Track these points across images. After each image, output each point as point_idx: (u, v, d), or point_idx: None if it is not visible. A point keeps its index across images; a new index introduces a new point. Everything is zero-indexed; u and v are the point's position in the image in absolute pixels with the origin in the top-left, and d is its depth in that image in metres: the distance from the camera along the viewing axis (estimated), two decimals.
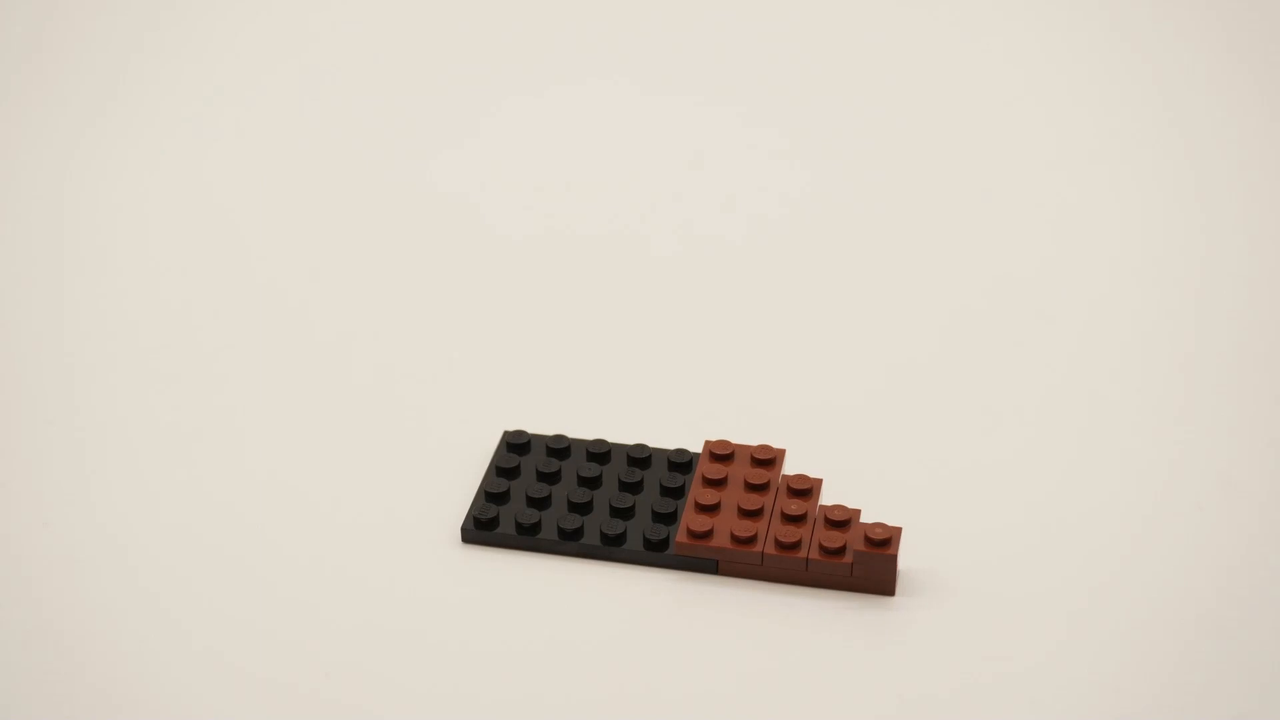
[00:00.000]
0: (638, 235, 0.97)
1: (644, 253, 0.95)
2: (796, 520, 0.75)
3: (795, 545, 0.74)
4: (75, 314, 0.91)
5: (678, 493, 0.78)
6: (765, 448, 0.78)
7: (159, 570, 0.76)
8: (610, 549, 0.76)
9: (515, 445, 0.80)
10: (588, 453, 0.80)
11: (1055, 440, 0.82)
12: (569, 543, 0.76)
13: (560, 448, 0.80)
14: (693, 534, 0.75)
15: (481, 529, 0.76)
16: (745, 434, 0.81)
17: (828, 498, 0.78)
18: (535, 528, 0.77)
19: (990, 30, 1.12)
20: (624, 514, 0.77)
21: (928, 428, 0.83)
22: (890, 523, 0.76)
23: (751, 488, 0.77)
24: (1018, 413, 0.84)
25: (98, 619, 0.73)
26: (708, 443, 0.78)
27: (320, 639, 0.73)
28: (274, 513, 0.78)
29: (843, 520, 0.75)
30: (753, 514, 0.76)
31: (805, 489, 0.77)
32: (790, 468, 0.79)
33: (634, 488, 0.78)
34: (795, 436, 0.81)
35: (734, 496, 0.77)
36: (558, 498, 0.78)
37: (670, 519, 0.77)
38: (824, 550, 0.74)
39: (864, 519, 0.76)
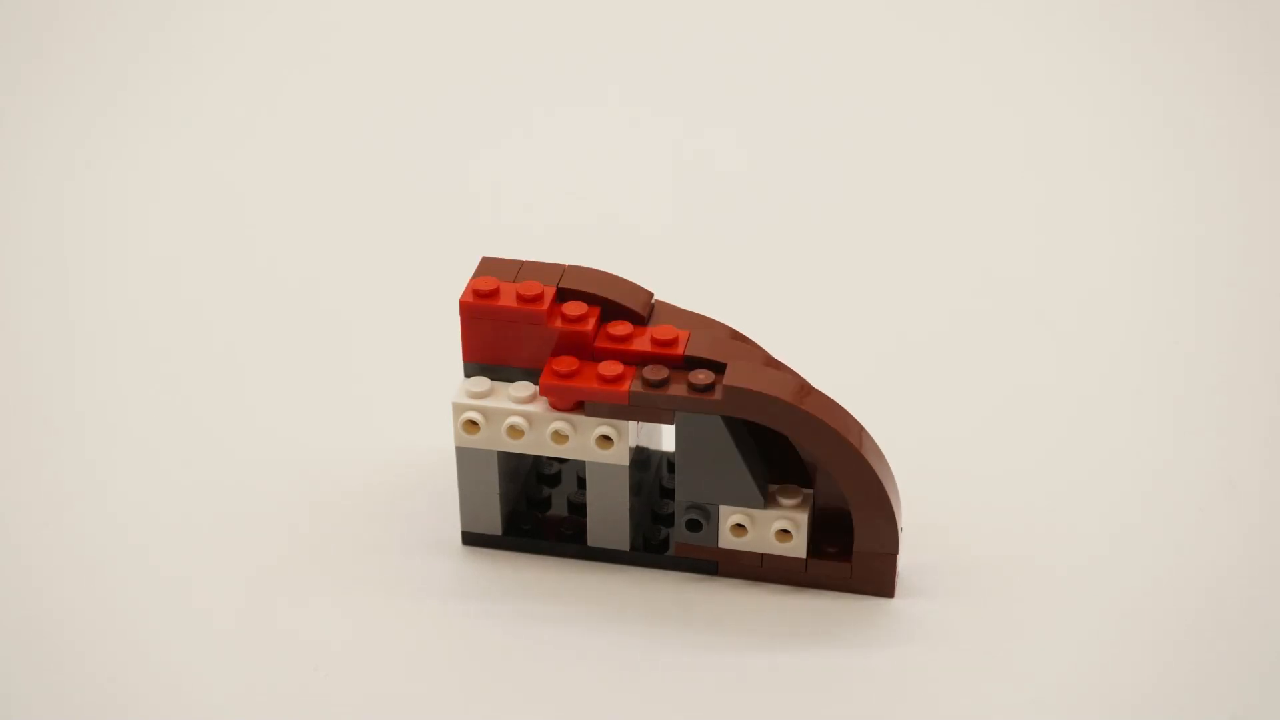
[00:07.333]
0: (637, 234, 0.97)
1: (642, 252, 0.95)
2: None
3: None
4: (80, 308, 0.91)
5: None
6: None
7: (156, 568, 0.76)
8: (610, 550, 0.76)
9: None
10: None
11: (1054, 440, 0.82)
12: (569, 544, 0.76)
13: None
14: None
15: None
16: None
17: None
18: (535, 529, 0.77)
19: (988, 29, 1.13)
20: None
21: (926, 427, 0.83)
22: None
23: None
24: (1016, 413, 0.84)
25: (101, 613, 0.74)
26: None
27: (319, 638, 0.73)
28: (276, 511, 0.78)
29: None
30: None
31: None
32: None
33: (634, 489, 0.78)
34: None
35: None
36: (557, 498, 0.78)
37: (670, 520, 0.77)
38: (823, 551, 0.74)
39: None
